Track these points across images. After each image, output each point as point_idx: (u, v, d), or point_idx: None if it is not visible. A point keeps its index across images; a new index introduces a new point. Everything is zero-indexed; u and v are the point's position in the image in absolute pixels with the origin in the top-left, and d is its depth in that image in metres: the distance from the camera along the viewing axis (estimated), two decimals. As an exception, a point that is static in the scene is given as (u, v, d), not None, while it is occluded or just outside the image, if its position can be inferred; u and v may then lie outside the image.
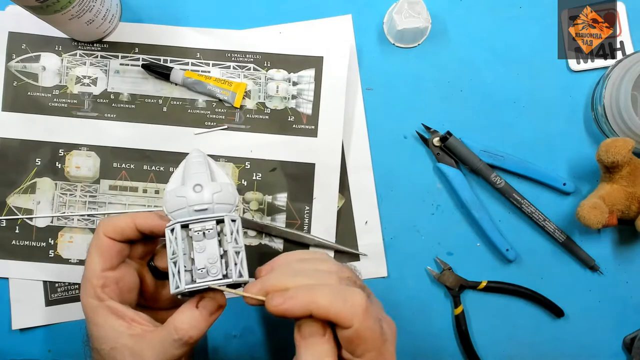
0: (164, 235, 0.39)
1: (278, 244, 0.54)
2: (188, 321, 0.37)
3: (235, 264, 0.37)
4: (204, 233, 0.37)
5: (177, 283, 0.37)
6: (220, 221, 0.38)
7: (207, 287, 0.37)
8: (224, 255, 0.38)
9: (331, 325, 0.35)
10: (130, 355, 0.38)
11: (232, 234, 0.38)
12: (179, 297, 0.38)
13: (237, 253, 0.38)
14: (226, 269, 0.37)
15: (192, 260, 0.37)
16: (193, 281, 0.37)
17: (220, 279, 0.37)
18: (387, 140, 0.54)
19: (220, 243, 0.38)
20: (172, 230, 0.38)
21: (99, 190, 0.54)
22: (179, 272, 0.37)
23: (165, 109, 0.54)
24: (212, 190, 0.39)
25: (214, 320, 0.39)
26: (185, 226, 0.38)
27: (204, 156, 0.42)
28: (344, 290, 0.35)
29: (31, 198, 0.53)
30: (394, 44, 0.54)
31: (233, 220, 0.38)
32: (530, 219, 0.54)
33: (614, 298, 0.55)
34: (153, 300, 0.45)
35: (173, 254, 0.37)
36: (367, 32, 0.54)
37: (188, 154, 0.42)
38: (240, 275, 0.37)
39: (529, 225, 0.55)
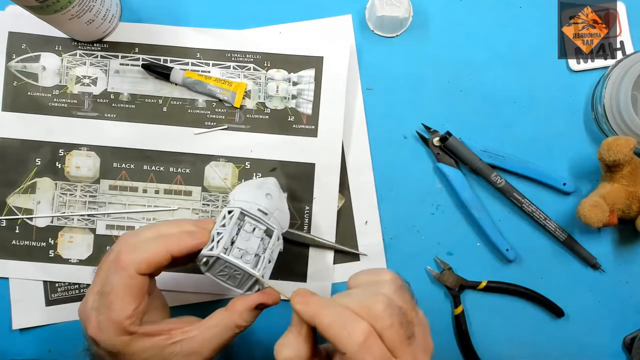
0: (195, 256, 0.41)
1: (278, 244, 0.54)
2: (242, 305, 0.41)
3: (264, 268, 0.42)
4: (254, 229, 0.42)
5: (214, 248, 0.40)
6: (267, 233, 0.43)
7: (234, 263, 0.40)
8: (257, 256, 0.42)
9: None
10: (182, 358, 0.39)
11: (272, 246, 0.43)
12: (201, 263, 0.41)
13: (269, 261, 0.43)
14: (255, 266, 0.41)
15: (232, 243, 0.41)
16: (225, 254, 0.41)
17: (250, 268, 0.41)
18: (387, 140, 0.54)
19: (259, 246, 0.42)
20: (230, 212, 0.43)
21: (99, 190, 0.54)
22: (218, 241, 0.41)
23: (165, 109, 0.54)
24: (277, 207, 0.45)
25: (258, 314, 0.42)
26: (239, 217, 0.42)
27: (279, 187, 0.49)
28: (350, 317, 0.34)
29: (31, 198, 0.53)
30: (372, 31, 0.54)
31: (278, 239, 0.44)
32: (530, 218, 0.54)
33: (614, 298, 0.55)
34: None
35: (222, 226, 0.42)
36: (364, 28, 0.54)
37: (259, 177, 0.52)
38: (262, 277, 0.41)
39: (529, 224, 0.55)
